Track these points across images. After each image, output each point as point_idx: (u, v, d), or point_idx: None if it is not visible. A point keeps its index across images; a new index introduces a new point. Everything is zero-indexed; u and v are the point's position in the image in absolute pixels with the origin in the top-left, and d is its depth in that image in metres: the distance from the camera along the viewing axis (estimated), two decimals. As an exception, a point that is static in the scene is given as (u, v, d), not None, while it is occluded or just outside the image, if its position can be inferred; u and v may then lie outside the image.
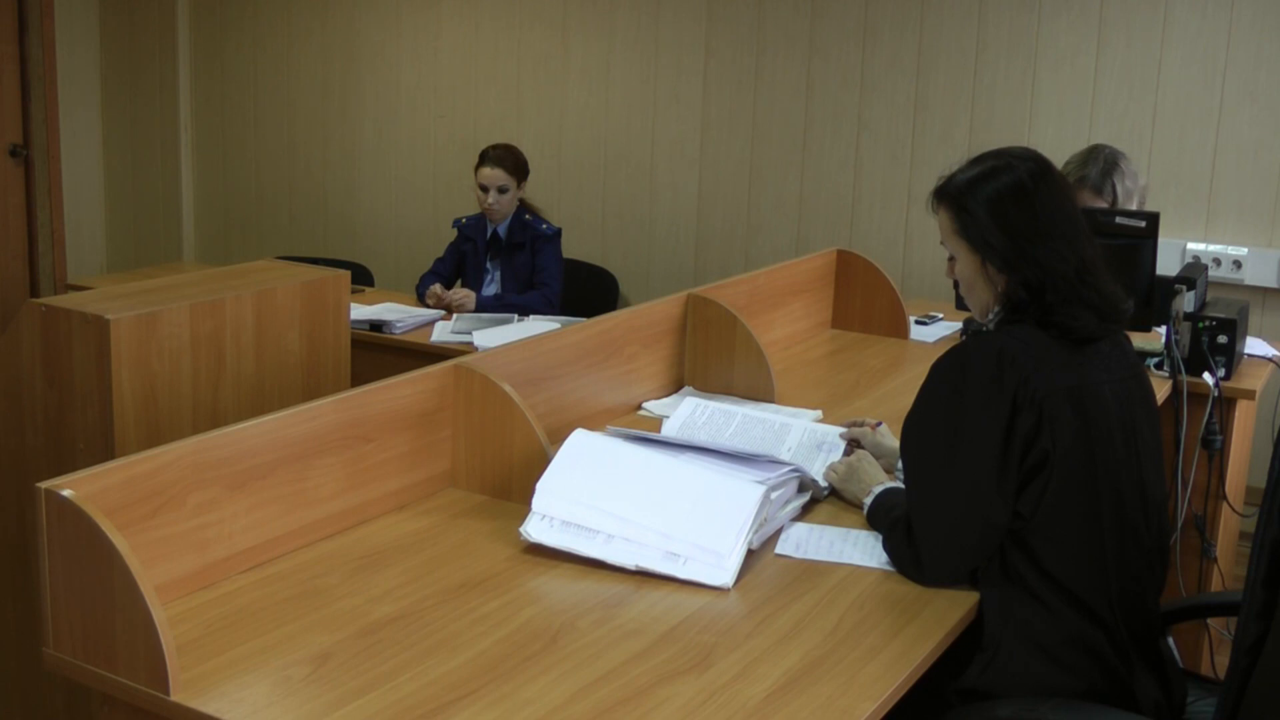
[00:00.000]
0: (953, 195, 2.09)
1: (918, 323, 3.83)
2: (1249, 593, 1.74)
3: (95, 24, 6.36)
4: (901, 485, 2.23)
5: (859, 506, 2.28)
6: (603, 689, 1.66)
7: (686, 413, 2.73)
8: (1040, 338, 2.01)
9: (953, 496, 1.99)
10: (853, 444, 2.53)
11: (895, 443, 2.42)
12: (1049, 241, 2.02)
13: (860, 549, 2.14)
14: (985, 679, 1.96)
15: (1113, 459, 2.02)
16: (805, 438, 2.62)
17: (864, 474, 2.33)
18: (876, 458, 2.44)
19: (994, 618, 1.98)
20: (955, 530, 1.99)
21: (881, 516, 2.17)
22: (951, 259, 2.15)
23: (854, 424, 2.57)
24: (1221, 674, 1.89)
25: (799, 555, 2.11)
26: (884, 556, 2.10)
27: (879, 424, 2.56)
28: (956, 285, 2.17)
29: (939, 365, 2.06)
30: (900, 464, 2.32)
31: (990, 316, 2.12)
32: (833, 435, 2.62)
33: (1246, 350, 3.56)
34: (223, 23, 6.19)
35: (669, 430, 2.63)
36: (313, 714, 1.57)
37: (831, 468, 2.39)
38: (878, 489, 2.25)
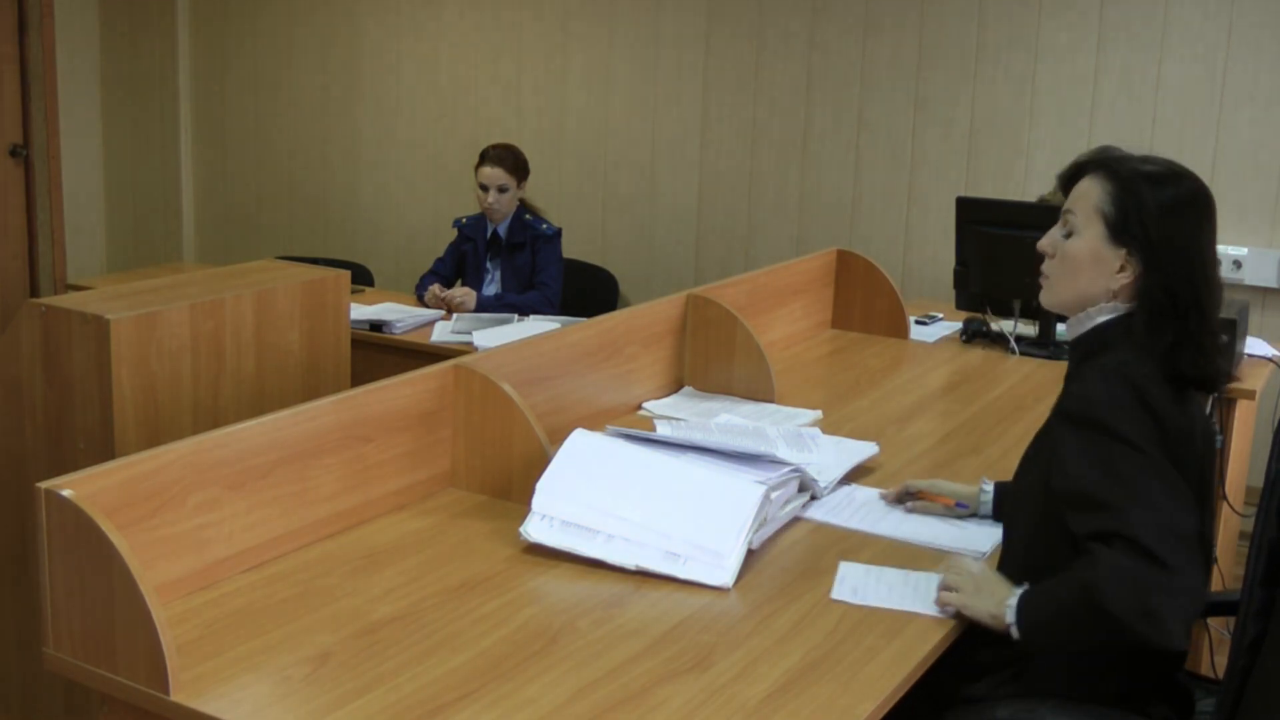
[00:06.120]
0: (1121, 174, 1.99)
1: (918, 323, 3.83)
2: (1247, 592, 1.74)
3: (95, 24, 6.36)
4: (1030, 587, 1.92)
5: (991, 621, 1.89)
6: (603, 689, 1.66)
7: (665, 427, 2.71)
8: (1153, 374, 1.89)
9: (1168, 503, 1.77)
10: (906, 497, 2.34)
11: (954, 485, 2.32)
12: (1206, 266, 1.94)
13: (924, 595, 1.96)
14: (998, 694, 1.95)
15: None
16: (785, 434, 2.63)
17: (991, 582, 1.93)
18: (940, 495, 2.30)
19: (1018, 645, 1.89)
20: (1188, 533, 1.76)
21: (1050, 598, 1.84)
22: (1068, 234, 1.99)
23: (910, 493, 2.35)
24: (1221, 674, 1.88)
25: (856, 600, 1.94)
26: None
27: (957, 504, 2.31)
28: (1039, 265, 2.03)
29: (1075, 409, 1.89)
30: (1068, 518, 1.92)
31: (1092, 310, 1.98)
32: (812, 433, 2.62)
33: (1246, 350, 3.56)
34: (223, 23, 6.19)
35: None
36: (313, 714, 1.57)
37: (948, 584, 1.95)
38: (1012, 599, 1.87)
